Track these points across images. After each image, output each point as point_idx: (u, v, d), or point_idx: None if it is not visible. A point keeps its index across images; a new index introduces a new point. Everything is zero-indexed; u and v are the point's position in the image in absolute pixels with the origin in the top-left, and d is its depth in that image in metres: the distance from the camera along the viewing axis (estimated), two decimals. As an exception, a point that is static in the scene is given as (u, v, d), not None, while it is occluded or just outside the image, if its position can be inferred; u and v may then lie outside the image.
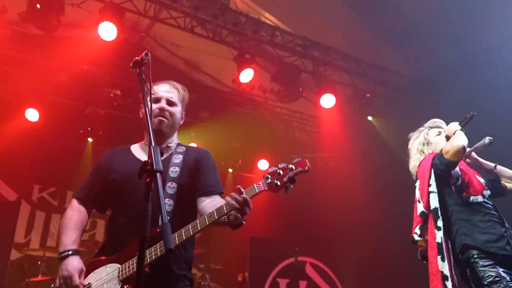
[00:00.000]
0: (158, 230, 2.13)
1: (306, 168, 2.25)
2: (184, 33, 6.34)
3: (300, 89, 6.97)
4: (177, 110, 2.61)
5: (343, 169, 8.20)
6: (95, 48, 6.04)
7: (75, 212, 2.56)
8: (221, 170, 2.34)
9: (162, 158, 2.39)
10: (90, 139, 7.41)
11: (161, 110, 2.51)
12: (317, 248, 7.48)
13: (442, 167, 3.18)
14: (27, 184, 6.89)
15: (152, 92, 2.50)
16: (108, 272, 2.34)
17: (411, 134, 3.68)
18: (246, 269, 6.92)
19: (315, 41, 6.72)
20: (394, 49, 6.93)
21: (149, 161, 1.90)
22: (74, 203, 2.61)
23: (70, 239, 2.45)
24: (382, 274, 6.57)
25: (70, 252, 2.40)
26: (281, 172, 2.20)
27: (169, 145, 2.61)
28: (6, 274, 4.97)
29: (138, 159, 2.51)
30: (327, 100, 6.87)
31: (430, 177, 3.26)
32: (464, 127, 3.25)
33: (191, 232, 2.22)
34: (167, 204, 2.38)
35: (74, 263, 2.36)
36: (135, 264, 2.21)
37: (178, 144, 2.66)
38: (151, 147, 1.91)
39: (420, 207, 3.29)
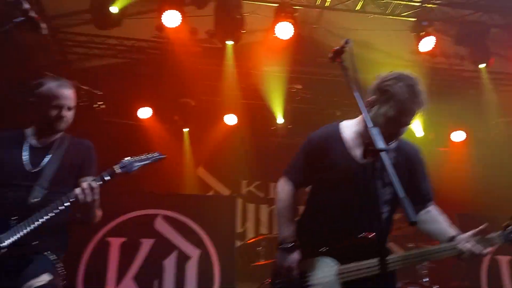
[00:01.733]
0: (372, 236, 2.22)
1: None
2: (354, 15, 6.34)
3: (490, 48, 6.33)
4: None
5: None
6: (273, 49, 6.46)
7: (291, 198, 2.56)
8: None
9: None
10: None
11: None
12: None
13: None
14: (236, 180, 7.77)
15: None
16: (324, 268, 2.35)
17: None
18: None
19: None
20: None
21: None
22: (287, 186, 2.58)
23: (289, 229, 2.48)
24: None
25: (290, 245, 2.44)
26: None
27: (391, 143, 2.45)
28: (234, 260, 5.61)
29: (353, 158, 2.43)
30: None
31: None
32: None
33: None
34: (383, 210, 2.35)
35: (295, 256, 2.42)
36: (357, 272, 2.25)
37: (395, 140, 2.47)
38: (370, 129, 1.92)
39: None
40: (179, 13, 5.64)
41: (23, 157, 2.62)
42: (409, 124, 2.38)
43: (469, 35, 6.23)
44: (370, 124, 1.95)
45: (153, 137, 6.99)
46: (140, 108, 7.07)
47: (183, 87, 7.16)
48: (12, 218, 2.43)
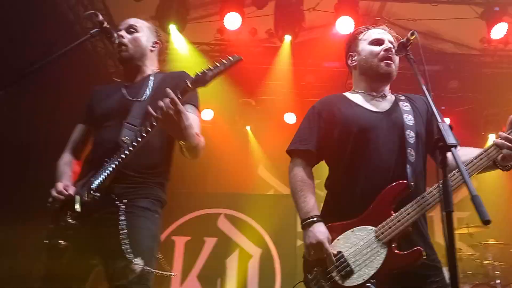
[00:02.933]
0: (412, 184, 2.07)
1: None
2: (418, 5, 6.09)
3: None
4: None
5: None
6: (333, 44, 6.35)
7: (305, 173, 2.38)
8: (478, 140, 2.10)
9: (390, 106, 2.36)
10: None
11: (388, 50, 2.36)
12: None
13: None
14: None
15: (367, 33, 2.46)
16: (360, 237, 2.14)
17: None
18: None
19: None
20: None
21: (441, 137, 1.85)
22: (298, 161, 2.42)
23: (309, 204, 2.28)
24: None
25: (314, 219, 2.22)
26: None
27: (388, 92, 2.47)
28: (296, 257, 5.61)
29: (366, 109, 2.37)
30: None
31: None
32: None
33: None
34: (410, 154, 2.19)
35: (321, 230, 2.18)
36: (397, 223, 2.07)
37: (394, 94, 2.48)
38: (439, 124, 1.81)
39: None
40: (240, 15, 5.71)
41: (122, 91, 2.54)
42: (390, 42, 2.33)
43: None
44: (439, 119, 1.85)
45: (217, 138, 7.15)
46: (203, 110, 7.25)
47: (243, 88, 7.25)
48: (106, 160, 2.26)
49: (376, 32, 2.46)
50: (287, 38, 6.25)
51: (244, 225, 5.49)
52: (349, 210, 2.21)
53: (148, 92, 2.50)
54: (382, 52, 2.37)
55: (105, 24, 2.46)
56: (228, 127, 7.40)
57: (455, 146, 1.76)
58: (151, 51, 2.70)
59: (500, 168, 2.11)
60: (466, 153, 2.11)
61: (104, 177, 2.22)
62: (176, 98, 2.06)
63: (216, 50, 7.05)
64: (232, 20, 5.74)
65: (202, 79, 2.21)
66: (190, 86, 2.19)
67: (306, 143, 2.39)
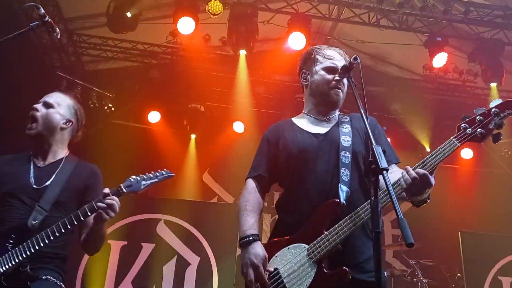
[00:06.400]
0: (343, 203, 2.13)
1: None
2: (368, 28, 6.32)
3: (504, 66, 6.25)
4: None
5: None
6: (285, 58, 6.46)
7: (251, 194, 2.46)
8: (417, 161, 2.13)
9: (330, 128, 2.47)
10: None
11: (338, 81, 2.43)
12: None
13: None
14: (241, 188, 7.68)
15: (325, 56, 2.50)
16: (294, 254, 2.20)
17: None
18: (459, 266, 6.47)
19: (518, 8, 5.95)
20: None
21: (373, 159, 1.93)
22: (250, 184, 2.49)
23: (248, 223, 2.34)
24: None
25: (250, 238, 2.27)
26: (483, 119, 1.96)
27: (334, 115, 2.55)
28: (235, 268, 5.59)
29: (307, 132, 2.47)
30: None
31: None
32: None
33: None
34: (344, 174, 2.27)
35: (256, 251, 2.23)
36: (327, 242, 2.12)
37: (340, 114, 2.58)
38: (373, 147, 1.89)
39: None
40: (194, 20, 5.68)
41: (30, 173, 2.57)
42: (344, 73, 2.33)
43: (483, 53, 6.16)
44: (373, 142, 1.93)
45: (161, 141, 7.05)
46: (150, 112, 7.13)
47: (193, 93, 7.22)
48: (10, 241, 2.36)
49: (332, 57, 2.52)
50: (242, 50, 6.29)
51: (184, 232, 5.41)
52: (291, 228, 2.28)
53: (61, 178, 2.58)
54: (333, 82, 2.45)
55: (47, 18, 2.38)
56: (174, 131, 7.31)
57: (387, 170, 1.82)
58: (62, 129, 2.69)
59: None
60: (396, 177, 2.14)
61: (13, 263, 2.31)
62: (116, 204, 2.38)
63: (167, 52, 6.99)
64: (186, 25, 5.70)
65: (136, 187, 2.48)
66: (125, 191, 2.45)
67: (257, 169, 2.52)
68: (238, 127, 7.35)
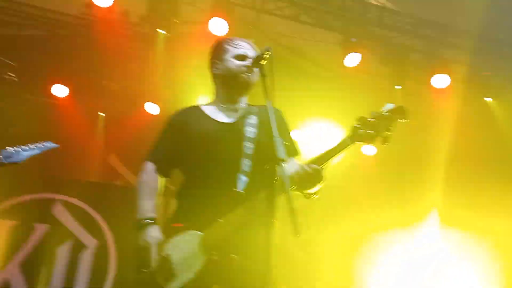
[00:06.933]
0: (241, 192, 2.19)
1: (405, 115, 2.08)
2: (289, 22, 6.43)
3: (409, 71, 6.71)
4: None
5: (455, 154, 7.69)
6: (206, 43, 6.35)
7: (150, 176, 2.46)
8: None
9: (237, 118, 2.50)
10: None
11: (249, 67, 2.45)
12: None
13: None
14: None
15: (234, 45, 2.54)
16: (187, 241, 2.21)
17: None
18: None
19: (425, 19, 6.39)
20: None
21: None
22: (148, 166, 2.48)
23: (146, 205, 2.35)
24: None
25: (148, 221, 2.29)
26: (375, 121, 2.07)
27: (243, 104, 2.59)
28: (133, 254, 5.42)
29: (214, 120, 2.49)
30: (440, 81, 6.50)
31: None
32: None
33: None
34: (245, 164, 2.32)
35: (153, 234, 2.26)
36: (220, 230, 2.15)
37: (249, 105, 2.62)
38: (274, 138, 1.95)
39: None
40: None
41: None
42: (256, 62, 2.34)
43: (392, 57, 6.53)
44: (276, 134, 1.97)
45: (67, 117, 6.60)
46: (55, 85, 6.65)
47: (106, 70, 6.86)
48: None
49: (242, 46, 2.56)
50: (161, 29, 6.08)
51: (82, 214, 5.14)
52: (188, 215, 2.30)
53: None
54: (243, 67, 2.49)
55: None
56: (83, 108, 6.90)
57: (284, 161, 1.89)
58: None
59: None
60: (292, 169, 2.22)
61: None
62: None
63: (80, 24, 6.55)
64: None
65: (15, 158, 2.42)
66: (4, 162, 2.41)
67: (157, 152, 2.52)
68: (152, 108, 7.11)
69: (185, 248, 2.20)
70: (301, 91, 7.57)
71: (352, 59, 6.36)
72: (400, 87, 6.69)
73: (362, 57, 6.42)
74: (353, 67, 6.67)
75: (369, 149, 7.96)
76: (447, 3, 6.32)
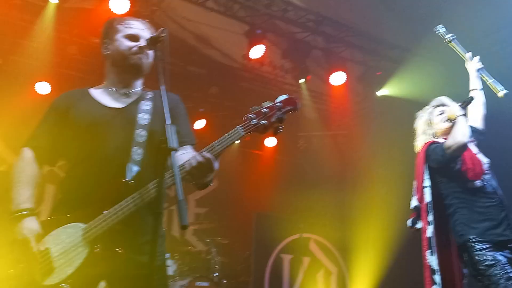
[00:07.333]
0: (130, 182, 2.07)
1: (296, 106, 2.12)
2: (195, 7, 6.29)
3: (310, 67, 6.95)
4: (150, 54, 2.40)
5: (351, 148, 8.21)
6: (104, 20, 5.98)
7: (28, 165, 2.26)
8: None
9: (129, 103, 2.37)
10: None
11: (141, 48, 2.32)
12: (322, 225, 7.55)
13: (444, 161, 3.13)
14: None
15: (126, 25, 2.39)
16: (69, 234, 2.08)
17: (418, 112, 3.62)
18: (252, 245, 7.05)
19: (327, 17, 6.64)
20: (407, 26, 6.80)
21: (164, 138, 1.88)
22: (27, 154, 2.29)
23: (24, 195, 2.17)
24: (390, 257, 6.55)
25: (25, 212, 2.12)
26: (268, 112, 2.09)
27: (136, 89, 2.44)
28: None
29: (102, 104, 2.33)
30: (337, 78, 6.84)
31: (424, 171, 3.24)
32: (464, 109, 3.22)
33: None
34: (136, 153, 2.21)
35: (30, 226, 2.09)
36: (103, 223, 2.04)
37: (144, 89, 2.47)
38: (166, 125, 1.89)
39: (414, 201, 3.30)
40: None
41: None
42: (151, 44, 2.28)
43: (294, 52, 6.71)
44: (168, 121, 1.90)
45: None
46: None
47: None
48: None
49: (134, 26, 2.40)
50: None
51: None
52: (72, 207, 2.15)
53: None
54: (135, 48, 2.33)
55: None
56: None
57: (175, 150, 1.82)
58: None
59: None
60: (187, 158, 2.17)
61: None
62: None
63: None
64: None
65: None
66: None
67: (37, 138, 2.32)
68: (42, 88, 6.55)
69: (66, 241, 2.07)
70: (205, 80, 7.54)
71: (257, 51, 6.42)
72: (303, 80, 6.90)
73: (266, 50, 6.51)
74: (258, 59, 6.76)
75: (270, 141, 8.21)
76: (349, 3, 6.63)
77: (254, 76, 7.68)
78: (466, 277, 3.09)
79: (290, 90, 7.88)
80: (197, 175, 2.03)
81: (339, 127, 8.47)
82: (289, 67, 6.92)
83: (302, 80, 7.11)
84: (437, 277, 2.98)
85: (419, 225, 3.26)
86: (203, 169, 2.01)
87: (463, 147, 3.06)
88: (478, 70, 3.49)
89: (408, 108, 4.07)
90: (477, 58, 3.54)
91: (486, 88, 3.46)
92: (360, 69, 7.39)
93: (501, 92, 3.31)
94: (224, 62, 7.62)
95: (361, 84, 7.52)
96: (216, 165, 2.04)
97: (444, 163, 3.13)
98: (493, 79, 3.41)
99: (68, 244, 2.05)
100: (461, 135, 3.05)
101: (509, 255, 2.94)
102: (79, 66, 6.70)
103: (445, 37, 3.63)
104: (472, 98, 3.24)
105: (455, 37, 3.63)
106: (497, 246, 2.93)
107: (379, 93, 7.47)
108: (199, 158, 2.00)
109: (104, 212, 2.06)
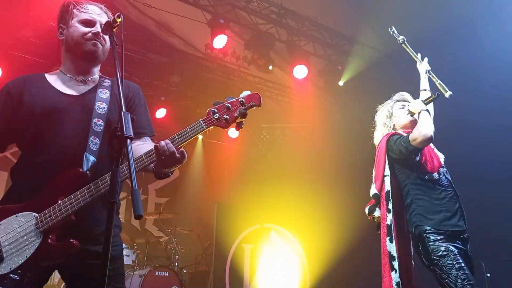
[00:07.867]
0: (86, 172, 2.02)
1: (259, 103, 2.13)
2: (156, -7, 6.18)
3: (273, 59, 6.95)
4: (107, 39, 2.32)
5: (312, 140, 8.31)
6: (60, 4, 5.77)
7: None
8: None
9: (86, 91, 2.30)
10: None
11: (96, 34, 2.25)
12: (283, 215, 7.65)
13: (407, 153, 3.21)
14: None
15: (82, 9, 2.31)
16: (21, 223, 2.03)
17: (378, 106, 3.72)
18: (213, 235, 7.06)
19: (291, 10, 6.66)
20: (368, 21, 6.93)
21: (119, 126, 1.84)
22: None
23: None
24: (348, 245, 6.70)
25: None
26: (230, 107, 2.09)
27: (93, 76, 2.36)
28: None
29: (58, 91, 2.26)
30: (300, 71, 6.89)
31: (385, 161, 3.34)
32: (427, 105, 3.33)
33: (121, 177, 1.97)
34: (93, 142, 2.16)
35: None
36: (58, 212, 2.00)
37: (101, 77, 2.40)
38: (122, 113, 1.84)
39: (373, 189, 3.38)
40: None
41: None
42: (106, 29, 2.18)
43: (257, 43, 6.71)
44: (123, 109, 1.82)
45: None
46: None
47: None
48: None
49: (90, 11, 2.31)
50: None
51: None
52: (25, 195, 2.08)
53: None
54: (90, 34, 2.26)
55: None
56: None
57: (131, 139, 1.77)
58: None
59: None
60: (147, 148, 2.14)
61: None
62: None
63: None
64: None
65: None
66: None
67: None
68: (-6, 72, 6.27)
69: (17, 229, 2.01)
70: (167, 68, 7.42)
71: (220, 41, 6.37)
72: (270, 67, 6.87)
73: (229, 40, 6.48)
74: (221, 49, 6.72)
75: (233, 132, 8.20)
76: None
77: (217, 66, 7.63)
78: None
79: (252, 81, 7.90)
80: (159, 165, 2.00)
81: (302, 119, 8.56)
82: (252, 59, 6.89)
83: (265, 72, 7.10)
84: (396, 263, 3.08)
85: (377, 212, 3.37)
86: (164, 160, 1.99)
87: (429, 140, 3.15)
88: (427, 71, 3.61)
89: (368, 102, 4.15)
90: (426, 59, 3.67)
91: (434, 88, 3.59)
92: (322, 63, 7.48)
93: (448, 92, 3.44)
94: (186, 50, 7.53)
95: (323, 78, 7.61)
96: (177, 157, 2.02)
97: (407, 154, 3.22)
98: (439, 81, 3.54)
99: (19, 233, 2.00)
100: (426, 128, 3.14)
101: (460, 246, 3.07)
102: (34, 50, 6.44)
103: (398, 39, 3.73)
104: (438, 95, 3.34)
105: (405, 39, 3.72)
106: (451, 237, 3.04)
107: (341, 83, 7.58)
108: (160, 149, 1.98)
109: (59, 201, 2.01)
